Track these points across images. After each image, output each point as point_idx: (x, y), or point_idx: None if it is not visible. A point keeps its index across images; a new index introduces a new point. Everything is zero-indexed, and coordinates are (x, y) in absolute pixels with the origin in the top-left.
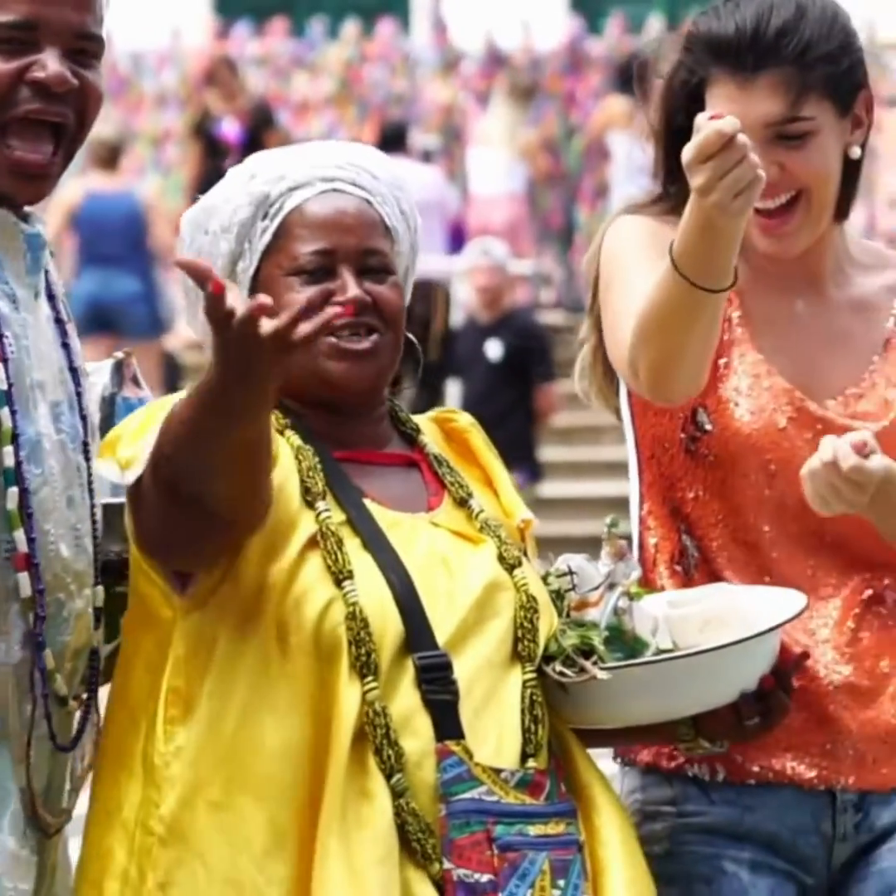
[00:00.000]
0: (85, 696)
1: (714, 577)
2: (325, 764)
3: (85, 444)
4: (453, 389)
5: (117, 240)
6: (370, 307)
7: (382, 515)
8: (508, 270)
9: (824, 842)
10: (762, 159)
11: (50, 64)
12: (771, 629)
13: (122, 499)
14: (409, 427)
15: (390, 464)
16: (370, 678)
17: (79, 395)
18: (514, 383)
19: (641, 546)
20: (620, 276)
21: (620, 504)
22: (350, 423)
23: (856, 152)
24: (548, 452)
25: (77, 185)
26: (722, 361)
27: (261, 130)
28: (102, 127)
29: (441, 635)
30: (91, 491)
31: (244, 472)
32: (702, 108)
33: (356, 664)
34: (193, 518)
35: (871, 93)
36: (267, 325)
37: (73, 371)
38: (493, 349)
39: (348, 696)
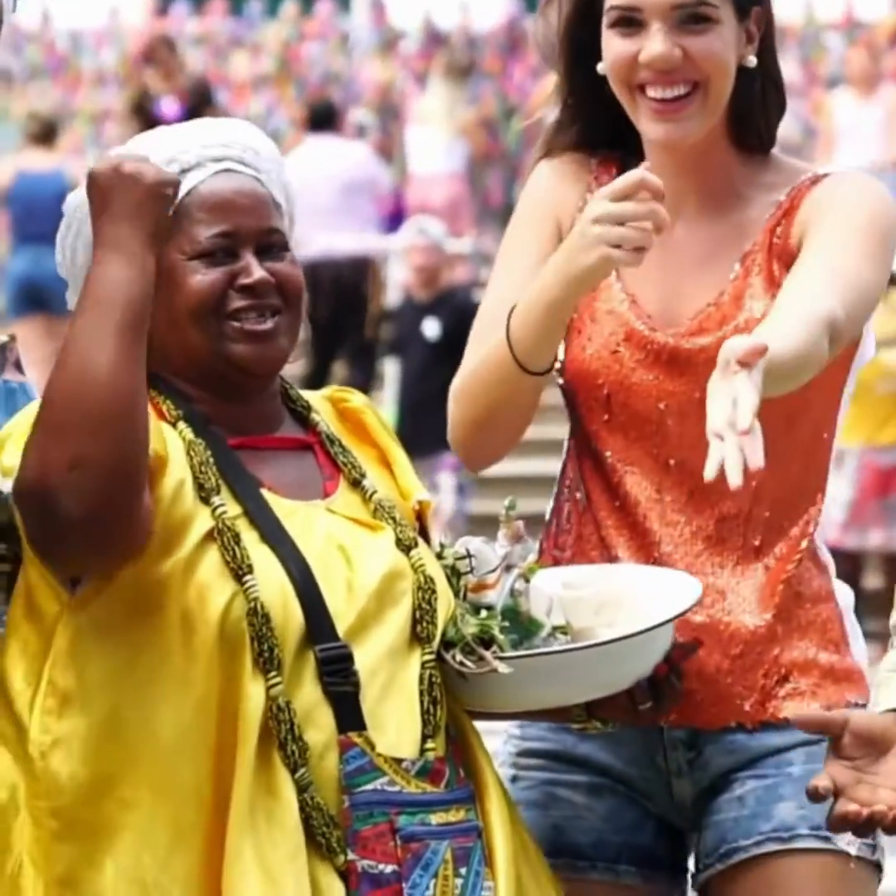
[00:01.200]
0: None
1: (588, 503)
2: (230, 760)
3: None
4: (391, 368)
5: (48, 218)
6: (273, 287)
7: (279, 505)
8: (445, 249)
9: (660, 775)
10: (666, 42)
11: None
12: (667, 622)
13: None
14: (300, 405)
15: (284, 447)
16: (273, 673)
17: None
18: (452, 362)
19: (560, 477)
20: (497, 265)
21: None
22: (243, 406)
23: (751, 62)
24: None
25: (8, 163)
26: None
27: (200, 109)
28: (39, 103)
29: (342, 626)
30: None
31: (124, 423)
32: (599, 12)
33: (259, 659)
34: (71, 533)
35: (769, 12)
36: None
37: None
38: (431, 328)
39: (253, 691)
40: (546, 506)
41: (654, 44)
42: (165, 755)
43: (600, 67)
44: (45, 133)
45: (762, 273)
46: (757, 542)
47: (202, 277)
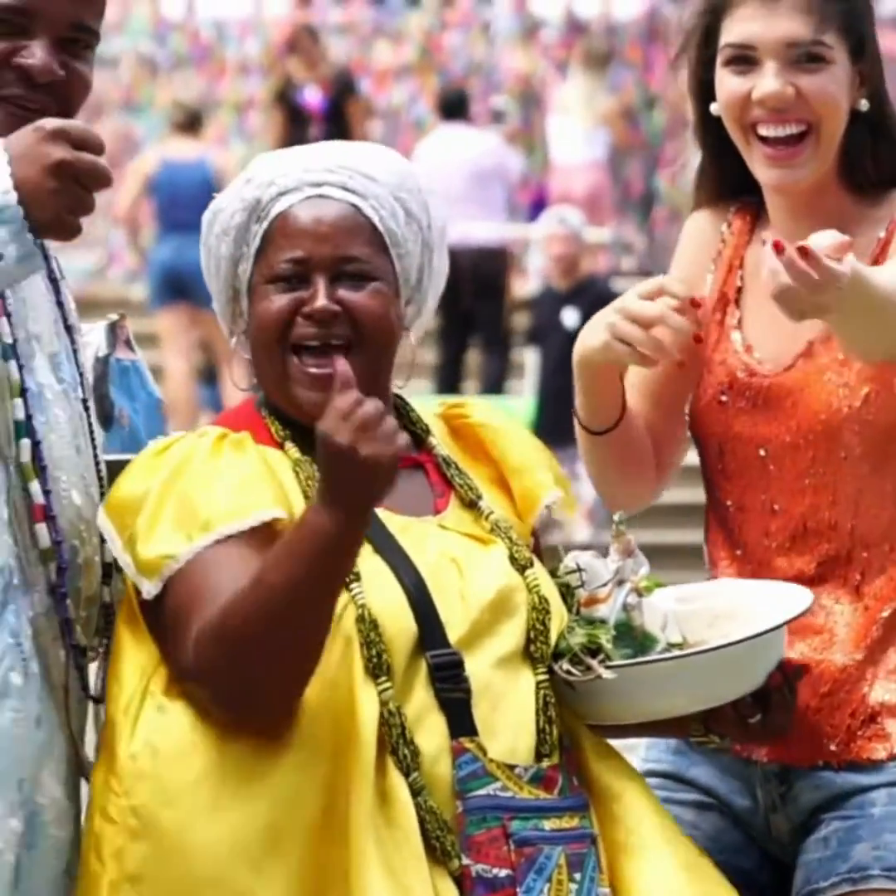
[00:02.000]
0: (102, 648)
1: (710, 551)
2: (345, 764)
3: (84, 399)
4: (530, 357)
5: (192, 206)
6: (340, 316)
7: (391, 520)
8: (584, 238)
9: (758, 808)
10: (779, 80)
11: (37, 52)
12: (776, 627)
13: (120, 456)
14: (419, 427)
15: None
16: (383, 678)
17: (75, 351)
18: None
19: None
20: None
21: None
22: None
23: (864, 106)
24: None
25: (154, 151)
26: (708, 345)
27: (343, 98)
28: (183, 93)
29: (454, 635)
30: (93, 443)
31: (319, 639)
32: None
33: (369, 665)
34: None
35: (877, 55)
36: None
37: (68, 328)
38: (570, 317)
39: (365, 697)
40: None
41: (768, 81)
42: (265, 764)
43: (714, 108)
44: (190, 122)
45: None
46: (856, 583)
47: (270, 303)
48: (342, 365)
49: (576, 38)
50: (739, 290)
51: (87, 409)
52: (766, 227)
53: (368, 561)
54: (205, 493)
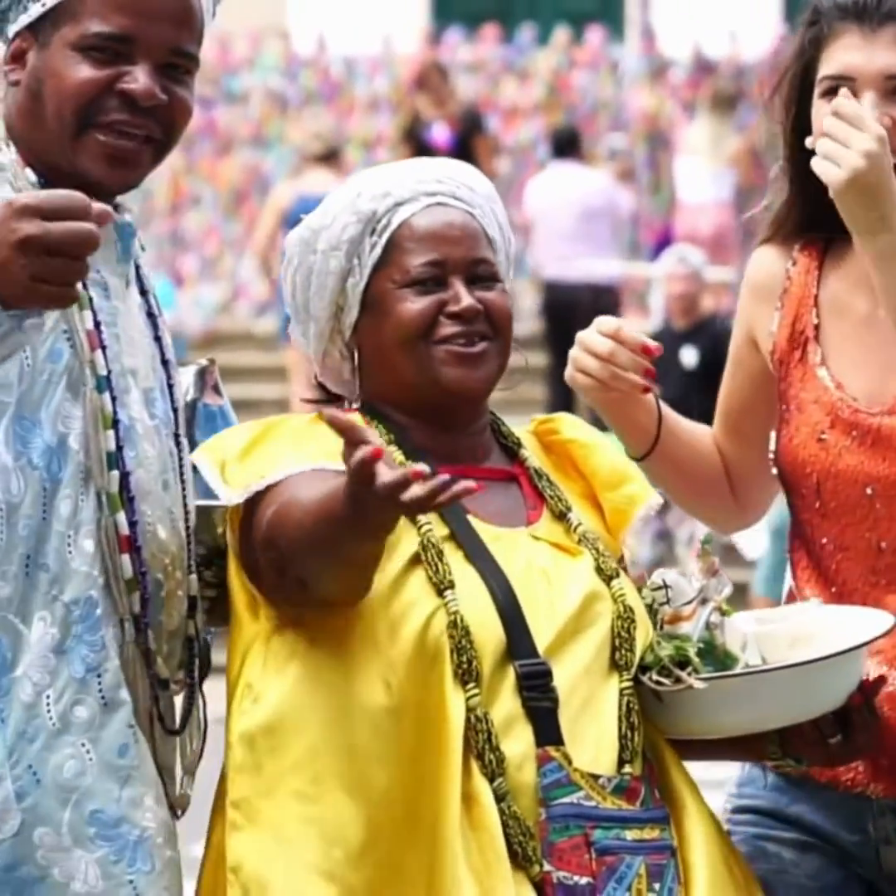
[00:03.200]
0: (187, 680)
1: (799, 589)
2: (431, 766)
3: (176, 434)
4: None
5: None
6: (482, 315)
7: (484, 530)
8: (705, 277)
9: (868, 842)
10: (878, 111)
11: (140, 77)
12: (861, 645)
13: (201, 501)
14: (511, 441)
15: (491, 478)
16: (472, 685)
17: (170, 386)
18: (710, 390)
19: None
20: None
21: None
22: (453, 436)
23: None
24: None
25: (289, 186)
26: (786, 383)
27: (470, 136)
28: (319, 125)
29: (541, 643)
30: (183, 479)
31: (360, 576)
32: (812, 87)
33: (459, 671)
34: (296, 590)
35: None
36: (411, 492)
37: (165, 363)
38: (688, 356)
39: (454, 702)
40: None
41: (866, 112)
42: (359, 758)
43: (809, 141)
44: (327, 154)
45: None
46: None
47: (411, 304)
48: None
49: (703, 78)
50: (817, 328)
51: (178, 444)
52: (836, 265)
53: (461, 568)
54: (296, 443)
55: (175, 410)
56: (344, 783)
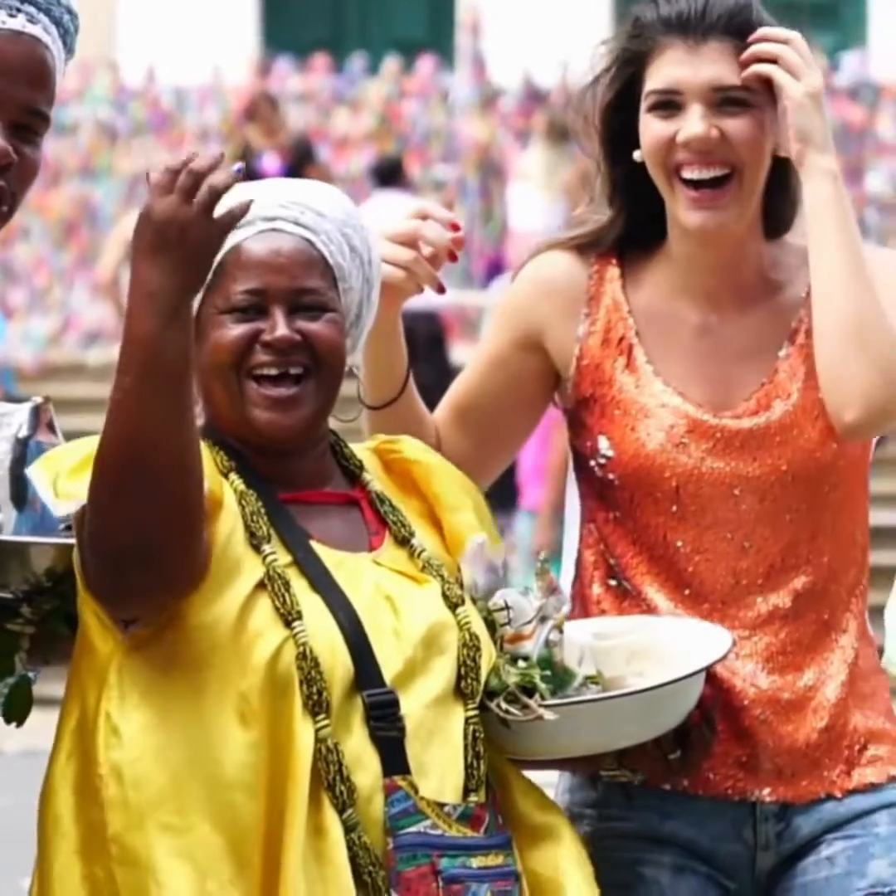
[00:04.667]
0: None
1: (638, 592)
2: (282, 799)
3: None
4: None
5: None
6: (300, 345)
7: (327, 556)
8: None
9: (747, 849)
10: (704, 122)
11: None
12: (704, 668)
13: (17, 538)
14: (353, 463)
15: (332, 502)
16: (322, 716)
17: None
18: None
19: (579, 561)
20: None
21: None
22: (291, 462)
23: (784, 151)
24: None
25: (134, 218)
26: (615, 388)
27: (301, 166)
28: (142, 160)
29: (388, 673)
30: None
31: (181, 487)
32: (637, 101)
33: (308, 703)
34: (137, 576)
35: None
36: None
37: None
38: None
39: (303, 733)
40: None
41: (692, 124)
42: (222, 789)
43: (638, 154)
44: None
45: (812, 347)
46: (827, 617)
47: (227, 331)
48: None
49: (534, 107)
50: (638, 335)
51: None
52: (640, 275)
53: (306, 597)
54: None
55: None
56: (209, 814)
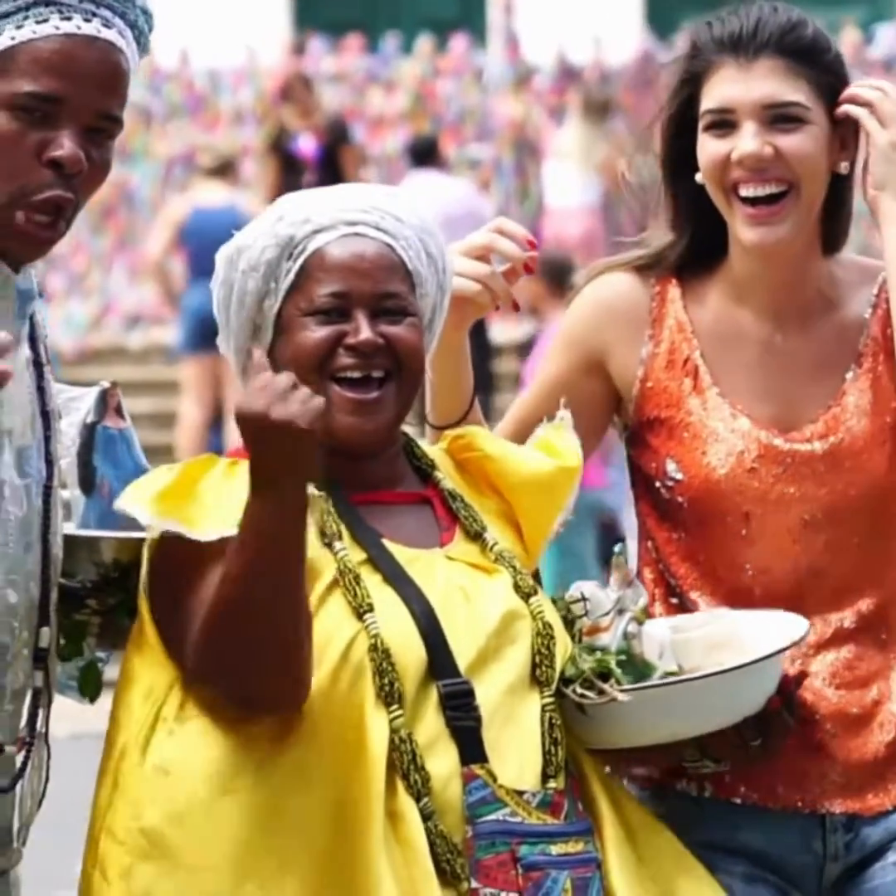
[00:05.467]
0: (28, 737)
1: (698, 610)
2: (352, 791)
3: (47, 488)
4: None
5: None
6: (383, 348)
7: (400, 553)
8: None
9: (815, 860)
10: (757, 140)
11: (66, 143)
12: (782, 650)
13: (87, 532)
14: (425, 463)
15: (404, 502)
16: (395, 706)
17: (47, 438)
18: None
19: (639, 579)
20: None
21: None
22: (364, 465)
23: (844, 168)
24: None
25: (183, 199)
26: (682, 411)
27: (337, 146)
28: (216, 139)
29: (462, 662)
30: (46, 536)
31: (290, 618)
32: (695, 122)
33: (381, 693)
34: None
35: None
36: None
37: (44, 415)
38: None
39: (375, 723)
40: None
41: (746, 142)
42: (272, 790)
43: (699, 177)
44: (222, 167)
45: (884, 370)
46: (884, 636)
47: (311, 333)
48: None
49: (568, 84)
50: (702, 356)
51: (47, 500)
52: (702, 295)
53: (379, 591)
54: (217, 498)
55: (49, 463)
56: (259, 813)
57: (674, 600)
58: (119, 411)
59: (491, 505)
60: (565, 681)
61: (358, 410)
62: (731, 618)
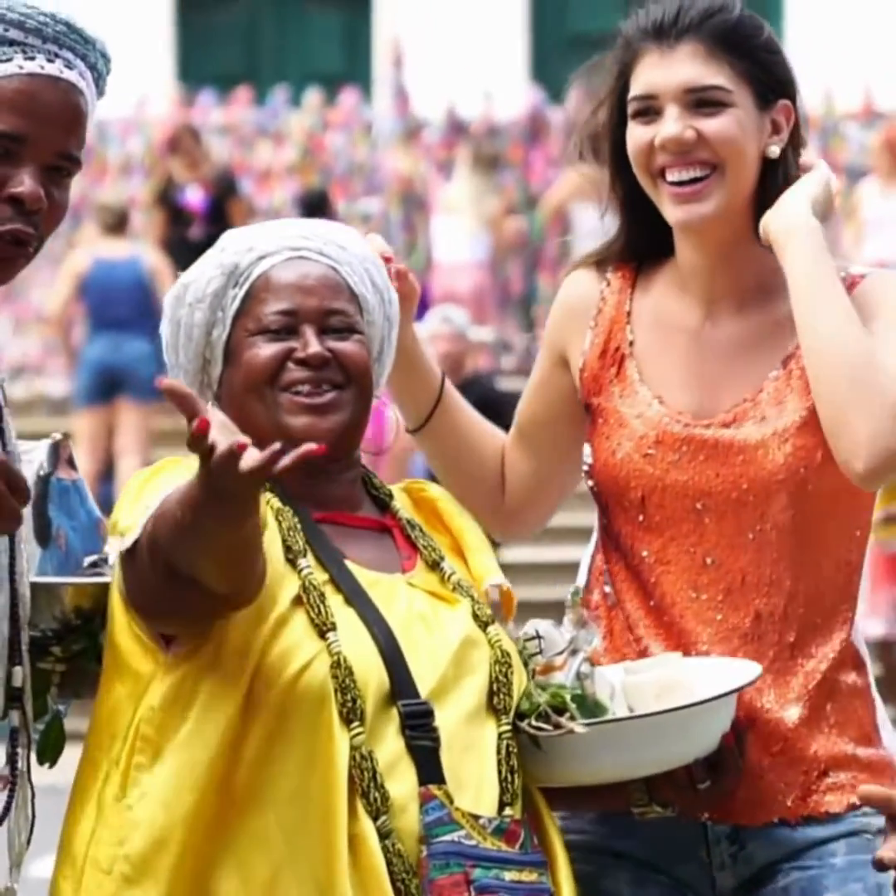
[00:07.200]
0: (11, 775)
1: (618, 601)
2: (313, 809)
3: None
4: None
5: (125, 304)
6: (331, 362)
7: (362, 575)
8: (469, 337)
9: (703, 868)
10: (679, 123)
11: (27, 180)
12: (739, 688)
13: (47, 579)
14: (383, 492)
15: (364, 527)
16: (356, 724)
17: None
18: None
19: (590, 568)
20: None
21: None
22: (325, 483)
23: (774, 152)
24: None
25: (83, 252)
26: (602, 398)
27: (224, 198)
28: (109, 195)
29: (423, 688)
30: (11, 575)
31: (238, 562)
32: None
33: (343, 711)
34: (188, 593)
35: (797, 112)
36: (246, 461)
37: (6, 455)
38: None
39: (339, 741)
40: (560, 592)
41: (668, 126)
42: (253, 804)
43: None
44: (118, 222)
45: (804, 376)
46: (792, 639)
47: (259, 351)
48: None
49: (457, 139)
50: (631, 344)
51: (12, 538)
52: (649, 282)
53: (341, 611)
54: (174, 479)
55: None
56: (229, 831)
57: (607, 589)
58: (71, 462)
59: (444, 540)
60: (520, 715)
61: (311, 411)
62: (683, 663)
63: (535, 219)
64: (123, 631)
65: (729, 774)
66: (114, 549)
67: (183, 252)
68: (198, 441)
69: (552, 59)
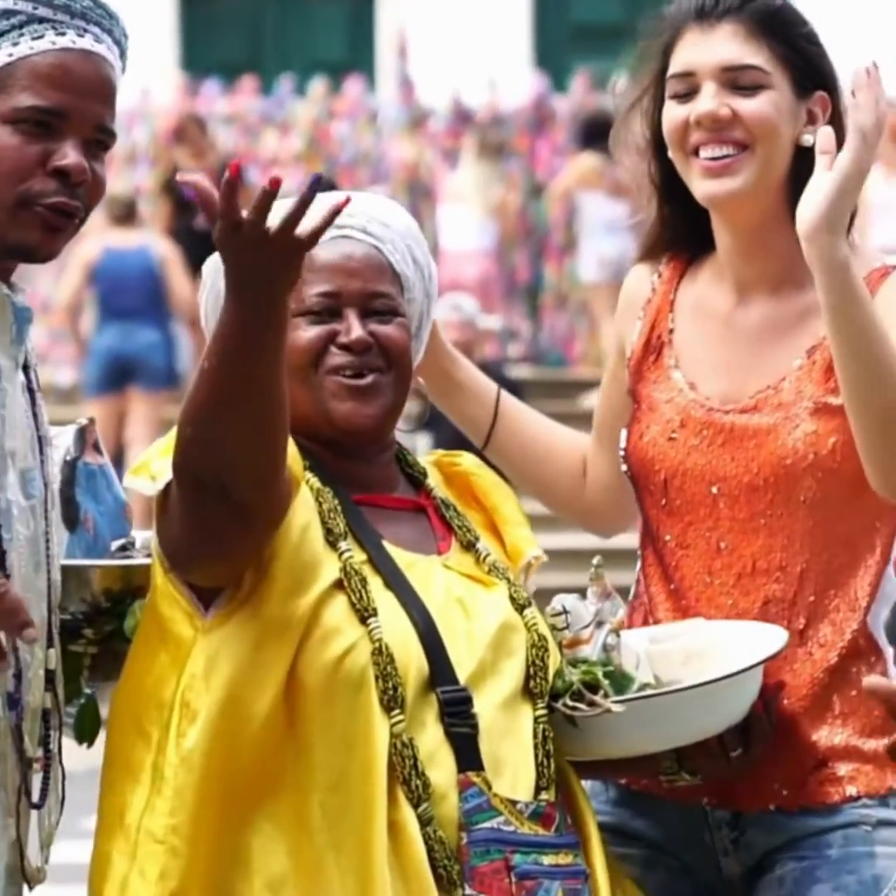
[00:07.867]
0: (44, 756)
1: (647, 585)
2: (354, 796)
3: (46, 510)
4: (423, 441)
5: (135, 293)
6: (373, 347)
7: (399, 556)
8: (478, 325)
9: (707, 853)
10: (714, 101)
11: (71, 153)
12: (770, 657)
13: (76, 561)
14: (417, 471)
15: (401, 508)
16: (397, 711)
17: (42, 463)
18: None
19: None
20: None
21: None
22: (362, 465)
23: (807, 140)
24: (526, 504)
25: (93, 242)
26: (640, 384)
27: None
28: (116, 186)
29: (462, 673)
30: (49, 556)
31: (263, 439)
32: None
33: (383, 698)
34: (217, 511)
35: (836, 107)
36: (273, 222)
37: (39, 439)
38: None
39: (379, 728)
40: (577, 579)
41: (704, 102)
42: (283, 786)
43: (671, 152)
44: (126, 214)
45: (825, 365)
46: (801, 626)
47: (303, 333)
48: None
49: (462, 127)
50: (671, 332)
51: (47, 523)
52: (696, 272)
53: (381, 595)
54: None
55: (45, 486)
56: (265, 811)
57: (639, 575)
58: (96, 447)
59: (477, 517)
60: (554, 695)
61: (355, 395)
62: (709, 628)
63: (540, 207)
64: (164, 597)
65: (759, 741)
66: (145, 488)
67: (189, 241)
68: (227, 212)
69: (556, 47)
